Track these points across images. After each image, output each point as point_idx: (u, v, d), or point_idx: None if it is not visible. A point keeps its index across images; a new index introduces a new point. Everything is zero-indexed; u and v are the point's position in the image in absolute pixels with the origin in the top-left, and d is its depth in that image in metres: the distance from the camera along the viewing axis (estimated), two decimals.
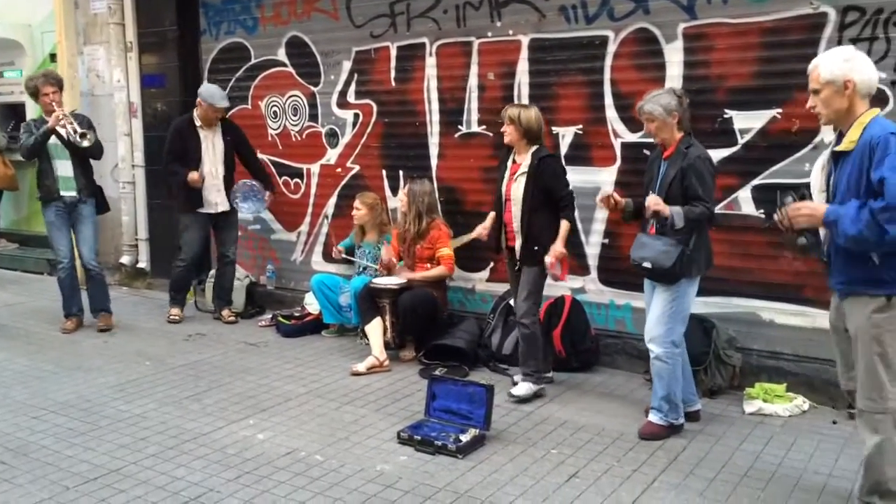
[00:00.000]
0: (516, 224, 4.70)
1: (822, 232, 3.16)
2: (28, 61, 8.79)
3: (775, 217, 3.17)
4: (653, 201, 3.98)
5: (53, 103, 5.93)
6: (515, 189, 4.69)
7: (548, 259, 4.58)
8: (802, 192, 3.20)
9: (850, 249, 2.99)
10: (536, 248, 4.65)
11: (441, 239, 5.57)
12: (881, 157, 2.87)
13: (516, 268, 4.80)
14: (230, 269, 6.64)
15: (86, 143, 5.94)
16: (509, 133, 4.70)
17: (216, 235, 6.58)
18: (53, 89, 5.97)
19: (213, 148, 6.35)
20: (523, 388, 4.73)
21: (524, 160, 4.71)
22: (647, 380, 4.45)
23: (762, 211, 4.70)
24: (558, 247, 4.59)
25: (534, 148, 4.70)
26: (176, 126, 6.45)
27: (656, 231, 4.06)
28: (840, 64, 3.01)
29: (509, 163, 4.82)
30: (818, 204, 3.08)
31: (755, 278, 4.81)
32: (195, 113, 6.34)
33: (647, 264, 4.03)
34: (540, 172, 4.63)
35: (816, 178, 3.21)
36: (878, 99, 4.32)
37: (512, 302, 5.44)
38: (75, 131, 5.91)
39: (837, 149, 3.08)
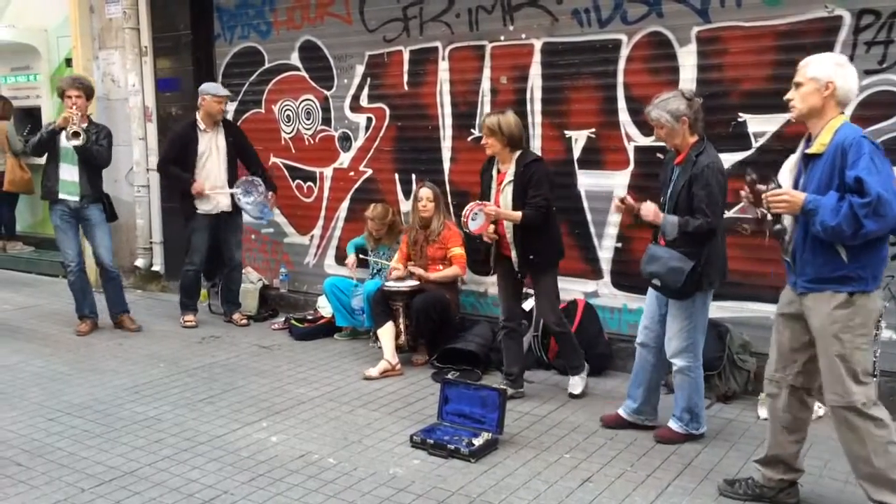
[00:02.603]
0: (510, 235, 4.58)
1: (787, 232, 3.25)
2: (44, 66, 8.88)
3: (742, 194, 3.28)
4: (645, 210, 3.90)
5: (74, 106, 5.97)
6: (503, 200, 4.55)
7: (472, 207, 4.49)
8: (777, 181, 3.28)
9: (818, 245, 3.10)
10: (532, 256, 4.58)
11: (452, 238, 5.57)
12: (855, 159, 2.98)
13: (517, 278, 4.74)
14: (237, 273, 6.68)
15: (75, 142, 5.84)
16: (491, 144, 4.53)
17: (221, 238, 6.56)
18: (77, 93, 6.01)
19: (216, 150, 6.36)
20: (579, 384, 4.82)
21: (509, 168, 4.58)
22: (662, 384, 4.44)
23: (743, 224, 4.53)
24: (492, 208, 4.47)
25: (517, 154, 4.58)
26: (180, 129, 6.47)
27: (667, 242, 3.94)
28: (830, 66, 3.14)
29: (494, 172, 4.68)
30: (797, 192, 3.12)
31: (769, 282, 4.78)
32: (198, 116, 6.35)
33: (656, 281, 3.95)
34: (528, 178, 4.50)
35: (785, 179, 3.28)
36: (893, 103, 4.32)
37: (500, 309, 5.39)
38: (72, 130, 5.82)
39: (808, 151, 3.18)
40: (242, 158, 6.54)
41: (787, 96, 3.24)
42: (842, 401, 3.12)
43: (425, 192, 5.60)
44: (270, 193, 6.47)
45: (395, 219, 6.05)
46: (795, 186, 3.21)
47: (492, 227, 4.61)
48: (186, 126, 6.42)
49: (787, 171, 3.31)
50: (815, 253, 3.13)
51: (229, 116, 7.22)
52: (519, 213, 4.47)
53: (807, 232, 3.12)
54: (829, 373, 3.15)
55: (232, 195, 6.35)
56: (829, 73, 3.10)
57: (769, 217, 3.23)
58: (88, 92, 6.16)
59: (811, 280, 3.16)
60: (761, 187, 3.21)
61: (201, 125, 6.33)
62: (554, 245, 4.72)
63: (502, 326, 4.86)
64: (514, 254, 4.61)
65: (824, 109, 3.13)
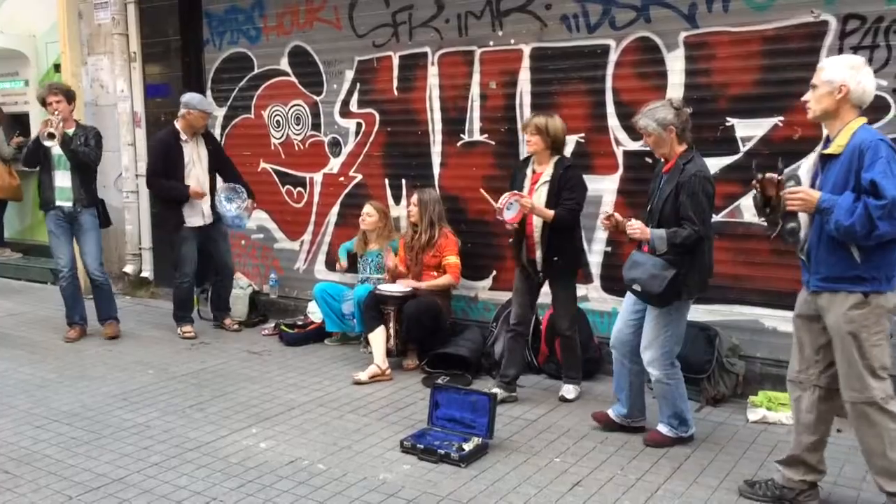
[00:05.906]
0: (537, 235, 4.64)
1: (802, 231, 3.30)
2: (32, 72, 8.85)
3: (754, 190, 3.30)
4: (631, 230, 3.90)
5: (56, 112, 5.95)
6: (536, 199, 4.60)
7: (509, 197, 4.52)
8: (797, 178, 3.34)
9: (832, 245, 3.15)
10: (556, 258, 4.62)
11: (449, 247, 5.57)
12: (872, 161, 3.03)
13: (539, 281, 4.76)
14: (229, 280, 6.67)
15: (49, 143, 5.83)
16: (535, 143, 4.63)
17: (211, 247, 6.51)
18: (57, 98, 5.99)
19: (198, 159, 6.31)
20: (572, 391, 4.87)
21: (546, 169, 4.66)
22: (650, 387, 4.45)
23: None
24: (528, 200, 4.53)
25: (556, 157, 4.68)
26: (162, 141, 6.30)
27: (649, 248, 3.93)
28: (844, 69, 3.17)
29: (528, 172, 4.75)
30: (813, 190, 3.17)
31: (758, 286, 4.81)
32: (178, 125, 6.25)
33: (636, 287, 3.94)
34: (565, 182, 4.60)
35: (804, 179, 3.33)
36: (880, 107, 4.36)
37: (512, 311, 5.41)
38: (47, 132, 5.82)
39: (826, 152, 3.22)
40: (221, 169, 6.48)
41: (804, 98, 3.30)
42: (861, 396, 3.18)
43: (413, 198, 5.61)
44: (250, 202, 6.41)
45: (388, 221, 6.05)
46: (812, 186, 3.25)
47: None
48: (168, 136, 6.28)
49: (805, 171, 3.36)
50: (829, 252, 3.18)
51: (219, 121, 7.23)
52: (552, 212, 4.55)
53: (821, 231, 3.17)
54: (847, 370, 3.20)
55: (213, 200, 6.30)
56: (843, 76, 3.14)
57: (782, 215, 3.26)
58: (68, 95, 6.13)
59: (824, 279, 3.22)
60: (771, 175, 3.23)
61: (183, 136, 6.24)
62: (578, 252, 4.82)
63: (510, 329, 4.89)
64: (538, 254, 4.66)
65: (839, 112, 3.17)
